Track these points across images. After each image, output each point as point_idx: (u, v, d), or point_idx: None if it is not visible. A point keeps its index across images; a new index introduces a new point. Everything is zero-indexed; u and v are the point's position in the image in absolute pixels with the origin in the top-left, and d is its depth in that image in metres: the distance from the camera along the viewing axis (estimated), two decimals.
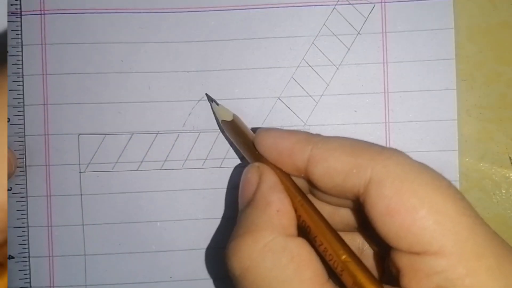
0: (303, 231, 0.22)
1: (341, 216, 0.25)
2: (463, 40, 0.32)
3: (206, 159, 0.32)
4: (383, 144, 0.32)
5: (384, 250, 0.24)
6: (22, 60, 0.32)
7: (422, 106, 0.32)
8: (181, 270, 0.32)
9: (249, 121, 0.32)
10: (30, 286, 0.32)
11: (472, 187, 0.32)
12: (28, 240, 0.32)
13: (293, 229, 0.22)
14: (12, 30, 0.32)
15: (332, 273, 0.21)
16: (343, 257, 0.20)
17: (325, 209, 0.24)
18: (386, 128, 0.32)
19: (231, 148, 0.32)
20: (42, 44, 0.32)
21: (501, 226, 0.32)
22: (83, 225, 0.32)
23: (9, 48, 0.32)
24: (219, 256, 0.32)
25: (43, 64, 0.32)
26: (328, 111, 0.32)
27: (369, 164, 0.20)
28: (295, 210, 0.22)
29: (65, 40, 0.32)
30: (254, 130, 0.26)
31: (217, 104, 0.31)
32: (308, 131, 0.32)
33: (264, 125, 0.32)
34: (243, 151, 0.27)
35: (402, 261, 0.20)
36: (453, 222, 0.19)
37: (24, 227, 0.32)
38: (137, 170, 0.32)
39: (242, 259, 0.21)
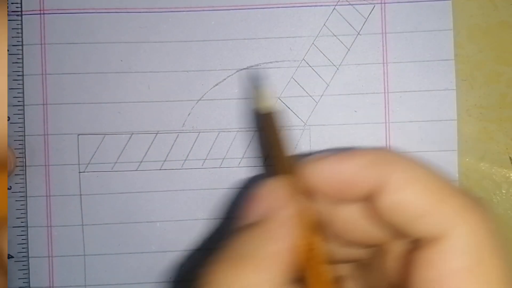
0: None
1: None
2: (463, 40, 0.32)
3: (206, 159, 0.32)
4: (383, 144, 0.32)
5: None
6: (22, 59, 0.32)
7: (422, 106, 0.32)
8: (181, 270, 0.32)
9: (249, 121, 0.32)
10: (30, 286, 0.32)
11: (472, 187, 0.32)
12: (27, 240, 0.32)
13: (286, 277, 0.18)
14: (12, 29, 0.32)
15: None
16: None
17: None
18: (386, 128, 0.32)
19: (231, 148, 0.32)
20: (41, 44, 0.32)
21: (501, 226, 0.32)
22: (82, 225, 0.32)
23: (9, 48, 0.32)
24: None
25: (42, 64, 0.32)
26: (328, 111, 0.32)
27: (452, 219, 0.17)
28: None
29: (65, 40, 0.32)
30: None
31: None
32: (308, 131, 0.32)
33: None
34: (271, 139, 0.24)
35: None
36: None
37: (23, 226, 0.32)
38: (136, 170, 0.32)
39: None
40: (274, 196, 0.20)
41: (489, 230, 0.17)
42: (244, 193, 0.32)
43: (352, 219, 0.20)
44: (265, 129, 0.24)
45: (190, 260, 0.32)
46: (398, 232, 0.19)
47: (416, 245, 0.18)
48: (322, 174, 0.19)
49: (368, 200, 0.19)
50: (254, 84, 0.29)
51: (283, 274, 0.18)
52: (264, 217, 0.19)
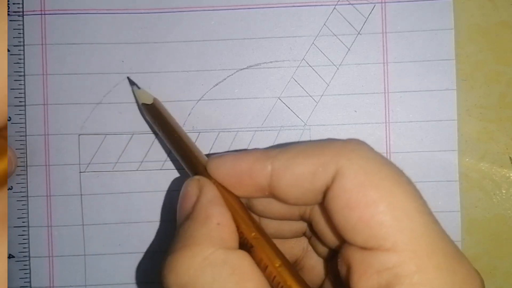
0: (243, 246, 0.22)
1: (290, 224, 0.25)
2: (463, 40, 0.32)
3: None
4: (383, 144, 0.32)
5: (329, 251, 0.24)
6: (23, 60, 0.32)
7: (422, 106, 0.32)
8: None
9: (249, 121, 0.32)
10: (30, 286, 0.32)
11: (472, 187, 0.32)
12: (28, 239, 0.32)
13: (234, 243, 0.21)
14: (14, 29, 0.32)
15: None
16: (277, 265, 0.20)
17: (271, 223, 0.24)
18: (386, 128, 0.32)
19: (231, 148, 0.32)
20: (42, 44, 0.32)
21: (501, 226, 0.32)
22: (83, 225, 0.32)
23: (11, 48, 0.32)
24: None
25: (43, 64, 0.32)
26: (328, 111, 0.32)
27: (333, 159, 0.20)
28: (236, 225, 0.22)
29: (65, 40, 0.32)
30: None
31: (138, 88, 0.31)
32: (308, 131, 0.32)
33: (264, 125, 0.32)
34: (163, 135, 0.28)
35: (355, 257, 0.19)
36: (410, 219, 0.19)
37: (24, 226, 0.32)
38: (137, 170, 0.32)
39: (179, 275, 0.20)
40: (193, 191, 0.22)
41: (367, 155, 0.20)
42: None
43: (266, 204, 0.24)
44: (152, 116, 0.29)
45: None
46: (306, 202, 0.22)
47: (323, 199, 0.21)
48: (223, 170, 0.23)
49: (266, 189, 0.22)
50: (134, 87, 0.31)
51: (229, 241, 0.21)
52: (191, 209, 0.22)
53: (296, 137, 0.32)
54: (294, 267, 0.21)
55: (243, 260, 0.20)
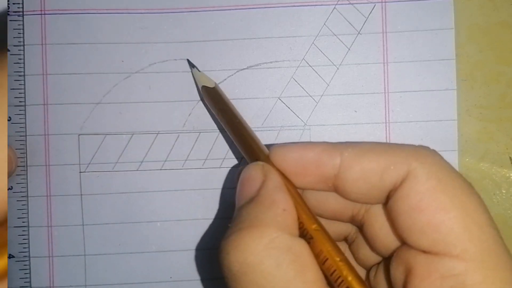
0: (302, 237, 0.22)
1: (336, 225, 0.25)
2: (463, 40, 0.32)
3: (206, 159, 0.32)
4: None
5: (370, 259, 0.24)
6: (24, 59, 0.32)
7: (422, 106, 0.32)
8: (181, 270, 0.32)
9: (249, 121, 0.32)
10: (30, 286, 0.32)
11: None
12: (28, 239, 0.32)
13: (296, 231, 0.21)
14: (14, 29, 0.32)
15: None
16: (337, 259, 0.20)
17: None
18: (386, 128, 0.32)
19: (231, 148, 0.32)
20: (42, 44, 0.32)
21: (501, 226, 0.32)
22: (83, 225, 0.32)
23: (11, 48, 0.32)
24: None
25: (43, 64, 0.32)
26: (328, 111, 0.32)
27: (406, 160, 0.20)
28: (297, 215, 0.22)
29: (65, 40, 0.32)
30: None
31: (199, 71, 0.31)
32: (308, 131, 0.32)
33: (264, 125, 0.32)
34: (221, 120, 0.28)
35: (417, 260, 0.20)
36: (481, 230, 0.19)
37: (24, 226, 0.32)
38: (137, 170, 0.32)
39: (244, 254, 0.20)
40: (258, 176, 0.23)
41: (440, 163, 0.21)
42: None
43: (322, 199, 0.24)
44: (212, 100, 0.29)
45: (190, 260, 0.32)
46: (368, 199, 0.22)
47: (388, 199, 0.21)
48: (289, 158, 0.23)
49: (331, 181, 0.22)
50: (194, 70, 0.31)
51: (292, 228, 0.21)
52: (255, 192, 0.22)
53: (296, 137, 0.32)
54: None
55: (305, 249, 0.20)
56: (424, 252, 0.19)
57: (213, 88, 0.30)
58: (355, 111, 0.32)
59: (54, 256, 0.32)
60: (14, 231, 0.32)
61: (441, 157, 0.21)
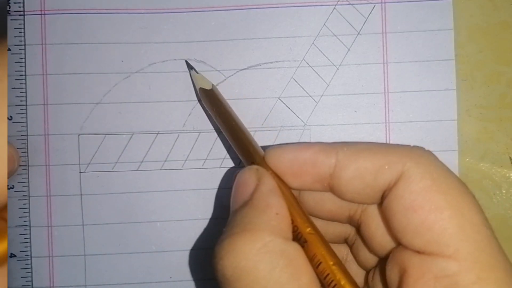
0: (296, 241, 0.22)
1: (335, 227, 0.25)
2: (463, 40, 0.32)
3: (206, 159, 0.32)
4: None
5: (371, 261, 0.24)
6: (25, 59, 0.32)
7: (422, 106, 0.32)
8: (181, 270, 0.32)
9: (249, 121, 0.32)
10: (32, 285, 0.32)
11: (472, 187, 0.31)
12: (30, 239, 0.32)
13: (290, 234, 0.21)
14: (15, 29, 0.32)
15: None
16: (331, 263, 0.20)
17: (317, 223, 0.24)
18: (386, 128, 0.32)
19: (231, 148, 0.32)
20: (42, 44, 0.32)
21: (501, 226, 0.32)
22: (83, 225, 0.32)
23: (11, 47, 0.32)
24: None
25: (43, 64, 0.32)
26: (328, 111, 0.32)
27: (401, 160, 0.20)
28: (291, 219, 0.22)
29: (65, 40, 0.32)
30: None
31: (197, 72, 0.31)
32: (308, 131, 0.32)
33: (264, 125, 0.32)
34: (218, 122, 0.28)
35: (411, 260, 0.20)
36: (474, 230, 0.19)
37: (26, 225, 0.32)
38: (137, 170, 0.32)
39: (238, 258, 0.20)
40: (252, 180, 0.23)
41: (435, 163, 0.21)
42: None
43: (318, 199, 0.24)
44: (209, 102, 0.29)
45: (190, 260, 0.32)
46: (364, 199, 0.22)
47: (383, 199, 0.21)
48: (285, 159, 0.23)
49: (327, 180, 0.22)
50: (192, 72, 0.31)
51: (286, 232, 0.21)
52: (249, 196, 0.22)
53: (296, 137, 0.32)
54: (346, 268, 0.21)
55: (299, 252, 0.20)
56: (418, 252, 0.19)
57: (210, 90, 0.30)
58: (355, 111, 0.32)
59: (54, 256, 0.32)
60: (15, 231, 0.32)
61: (436, 157, 0.21)
